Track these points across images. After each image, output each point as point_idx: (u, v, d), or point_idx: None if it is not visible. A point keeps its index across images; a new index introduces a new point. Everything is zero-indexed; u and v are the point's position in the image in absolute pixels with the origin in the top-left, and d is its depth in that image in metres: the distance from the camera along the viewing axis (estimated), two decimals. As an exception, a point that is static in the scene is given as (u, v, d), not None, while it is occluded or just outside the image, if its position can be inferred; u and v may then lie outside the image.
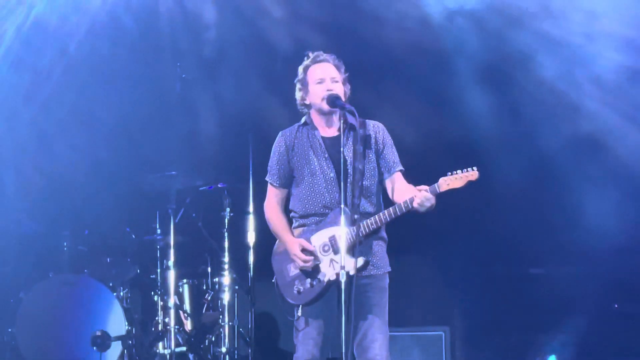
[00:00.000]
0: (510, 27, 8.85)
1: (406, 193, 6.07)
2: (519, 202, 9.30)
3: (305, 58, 6.32)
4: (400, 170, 6.30)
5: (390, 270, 6.29)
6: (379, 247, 6.24)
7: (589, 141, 8.93)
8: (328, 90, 6.15)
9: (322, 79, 6.19)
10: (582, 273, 9.35)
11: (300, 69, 6.32)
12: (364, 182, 6.12)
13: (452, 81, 9.23)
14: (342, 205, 5.89)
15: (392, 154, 6.31)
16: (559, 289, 9.39)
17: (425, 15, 9.03)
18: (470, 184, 5.99)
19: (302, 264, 6.10)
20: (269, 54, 9.27)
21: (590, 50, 8.64)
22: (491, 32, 8.88)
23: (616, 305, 9.13)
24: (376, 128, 6.31)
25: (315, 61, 6.27)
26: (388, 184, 6.28)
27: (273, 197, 6.36)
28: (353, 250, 5.92)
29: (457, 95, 9.26)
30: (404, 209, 5.99)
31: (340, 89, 6.19)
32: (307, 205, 6.22)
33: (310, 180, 6.21)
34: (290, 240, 6.17)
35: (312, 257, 6.09)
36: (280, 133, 6.37)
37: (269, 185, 6.38)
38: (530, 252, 9.44)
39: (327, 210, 6.15)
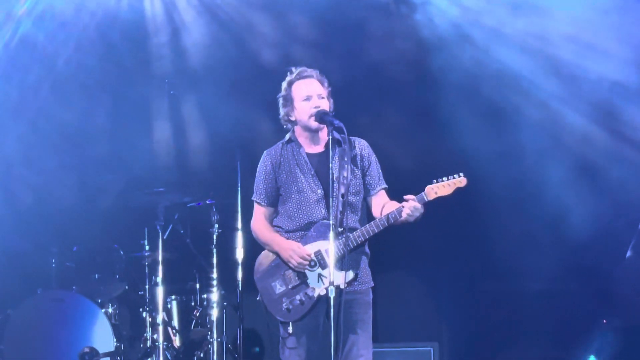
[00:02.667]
0: (498, 43, 8.89)
1: (391, 209, 6.07)
2: (508, 217, 9.27)
3: (289, 73, 6.30)
4: (384, 188, 6.31)
5: (373, 285, 6.26)
6: (363, 262, 6.21)
7: (580, 157, 8.95)
8: (315, 107, 6.13)
9: (309, 95, 6.16)
10: (572, 289, 9.32)
11: (284, 84, 6.28)
12: (350, 198, 6.08)
13: (440, 96, 9.21)
14: (331, 221, 5.81)
15: (377, 172, 6.31)
16: (549, 304, 9.40)
17: (415, 31, 9.10)
18: (458, 191, 5.97)
19: (297, 262, 6.04)
20: (257, 70, 9.25)
21: (581, 65, 8.70)
22: (479, 48, 8.94)
23: (605, 321, 9.03)
24: (361, 145, 6.31)
25: (300, 77, 6.24)
26: (373, 201, 6.27)
27: (261, 215, 6.33)
28: (341, 264, 5.90)
29: (445, 110, 9.24)
30: (391, 219, 5.98)
31: (326, 105, 6.18)
32: (294, 222, 6.19)
33: (298, 197, 6.19)
34: (285, 243, 6.12)
35: (309, 259, 6.04)
36: (265, 152, 6.34)
37: (255, 204, 6.35)
38: (520, 268, 9.33)
39: (311, 226, 6.14)
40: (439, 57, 9.07)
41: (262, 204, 6.29)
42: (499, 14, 8.77)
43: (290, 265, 6.11)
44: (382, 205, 6.19)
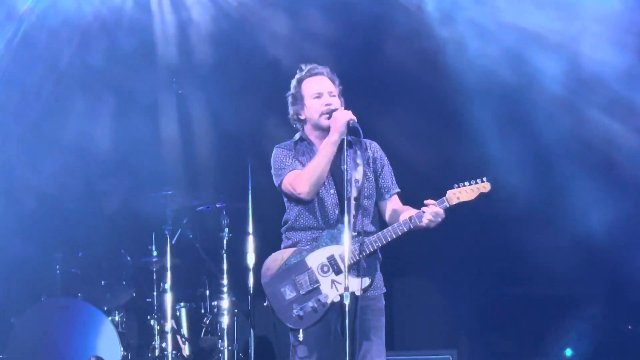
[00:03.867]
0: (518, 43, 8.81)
1: (404, 214, 5.98)
2: (529, 220, 9.18)
3: (298, 71, 6.19)
4: (398, 192, 6.23)
5: (385, 291, 6.15)
6: (377, 268, 6.09)
7: (604, 158, 8.88)
8: (327, 105, 6.03)
9: (320, 93, 6.07)
10: (596, 294, 9.30)
11: (294, 82, 6.19)
12: (363, 201, 5.98)
13: (458, 97, 9.15)
14: (346, 224, 5.69)
15: (389, 175, 6.24)
16: (570, 310, 9.35)
17: (431, 30, 9.03)
18: (481, 196, 5.86)
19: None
20: (269, 71, 9.19)
21: (601, 61, 8.59)
22: (500, 48, 8.85)
23: (630, 327, 9.10)
24: (373, 147, 6.23)
25: (310, 74, 6.14)
26: (385, 206, 6.20)
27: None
28: (357, 270, 5.82)
29: (466, 113, 9.20)
30: (411, 225, 5.87)
31: (337, 103, 6.08)
32: (307, 220, 6.06)
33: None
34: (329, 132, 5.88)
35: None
36: (278, 146, 6.20)
37: (288, 175, 6.02)
38: (542, 272, 9.30)
39: (325, 227, 6.01)
40: (459, 56, 9.00)
41: (297, 168, 6.02)
42: (523, 11, 8.71)
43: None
44: (395, 210, 6.13)
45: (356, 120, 5.87)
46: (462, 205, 5.90)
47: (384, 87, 9.39)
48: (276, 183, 6.12)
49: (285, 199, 6.16)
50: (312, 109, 6.06)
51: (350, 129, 5.83)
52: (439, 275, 9.80)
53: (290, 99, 6.16)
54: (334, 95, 6.07)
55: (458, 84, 9.06)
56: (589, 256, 9.10)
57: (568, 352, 9.31)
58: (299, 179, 5.97)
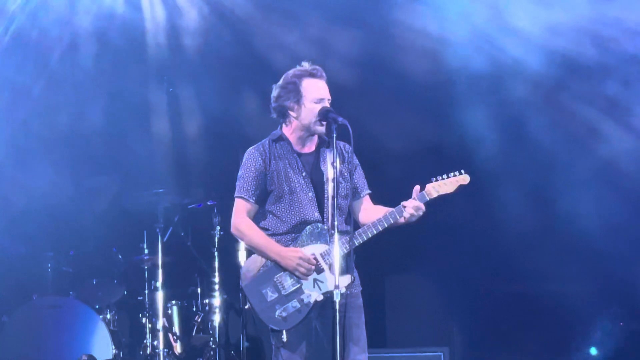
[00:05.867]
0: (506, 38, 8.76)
1: (376, 213, 5.98)
2: (520, 217, 9.13)
3: (298, 65, 6.07)
4: (369, 193, 6.25)
5: (362, 288, 6.12)
6: (353, 266, 5.99)
7: (596, 155, 8.85)
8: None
9: (322, 99, 5.96)
10: (588, 291, 9.26)
11: (291, 75, 6.04)
12: (339, 200, 5.92)
13: (450, 92, 9.14)
14: (331, 223, 5.75)
15: (361, 176, 6.23)
16: (562, 307, 9.27)
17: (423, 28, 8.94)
18: (468, 191, 5.89)
19: (304, 272, 5.85)
20: (261, 65, 9.08)
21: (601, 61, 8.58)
22: (489, 43, 8.81)
23: (621, 323, 9.06)
24: (347, 149, 6.16)
25: (313, 75, 6.01)
26: (357, 206, 6.20)
27: (245, 214, 6.04)
28: (340, 267, 5.68)
29: (454, 106, 9.17)
30: (391, 220, 5.87)
31: None
32: (285, 223, 6.01)
33: (290, 198, 6.00)
34: (285, 251, 5.91)
35: (314, 263, 5.86)
36: (251, 149, 6.12)
37: (239, 201, 6.06)
38: (533, 270, 9.26)
39: (303, 228, 5.97)
40: (454, 54, 8.94)
41: (251, 200, 6.02)
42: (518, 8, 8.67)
43: (297, 273, 5.89)
44: (367, 210, 6.15)
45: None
46: (454, 199, 5.94)
47: (377, 86, 9.35)
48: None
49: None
50: (311, 113, 5.94)
51: (340, 126, 5.75)
52: (429, 271, 9.75)
53: (282, 91, 6.01)
54: (330, 102, 6.00)
55: (453, 81, 9.06)
56: (583, 254, 9.06)
57: (593, 350, 9.27)
58: (240, 219, 6.01)
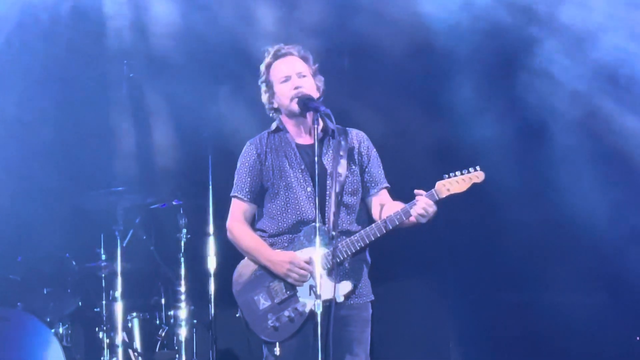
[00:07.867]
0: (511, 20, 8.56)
1: (396, 209, 5.74)
2: (524, 221, 9.03)
3: (266, 54, 5.99)
4: (386, 187, 6.02)
5: (373, 298, 5.93)
6: (363, 272, 5.87)
7: (608, 154, 8.63)
8: (296, 87, 5.80)
9: (288, 76, 5.84)
10: (598, 301, 9.05)
11: (262, 67, 6.00)
12: (344, 198, 5.78)
13: (448, 81, 8.97)
14: (318, 224, 5.47)
15: (377, 168, 6.02)
16: (565, 318, 9.06)
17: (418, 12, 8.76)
18: (471, 190, 5.67)
19: (299, 277, 5.67)
20: (234, 55, 8.96)
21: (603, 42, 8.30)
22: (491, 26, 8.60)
23: (638, 338, 8.79)
24: (360, 138, 6.00)
25: (277, 56, 5.94)
26: (373, 202, 5.95)
27: (241, 214, 5.94)
28: (337, 274, 5.60)
29: (458, 100, 8.97)
30: (396, 221, 5.63)
31: (310, 84, 5.85)
32: (280, 223, 5.85)
33: (285, 194, 5.84)
34: (276, 256, 5.75)
35: (309, 268, 5.66)
36: (248, 142, 6.02)
37: (235, 201, 5.98)
38: (537, 277, 9.13)
39: (301, 228, 5.80)
40: (449, 42, 8.80)
41: (245, 199, 5.90)
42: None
43: (289, 280, 5.72)
44: (383, 206, 5.90)
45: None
46: (455, 206, 5.79)
47: (366, 72, 9.27)
48: None
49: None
50: (282, 95, 5.85)
51: (322, 114, 5.60)
52: (426, 279, 9.75)
53: (262, 87, 5.98)
54: (304, 76, 5.82)
55: (449, 70, 8.91)
56: (590, 262, 8.92)
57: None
58: (233, 221, 5.93)
